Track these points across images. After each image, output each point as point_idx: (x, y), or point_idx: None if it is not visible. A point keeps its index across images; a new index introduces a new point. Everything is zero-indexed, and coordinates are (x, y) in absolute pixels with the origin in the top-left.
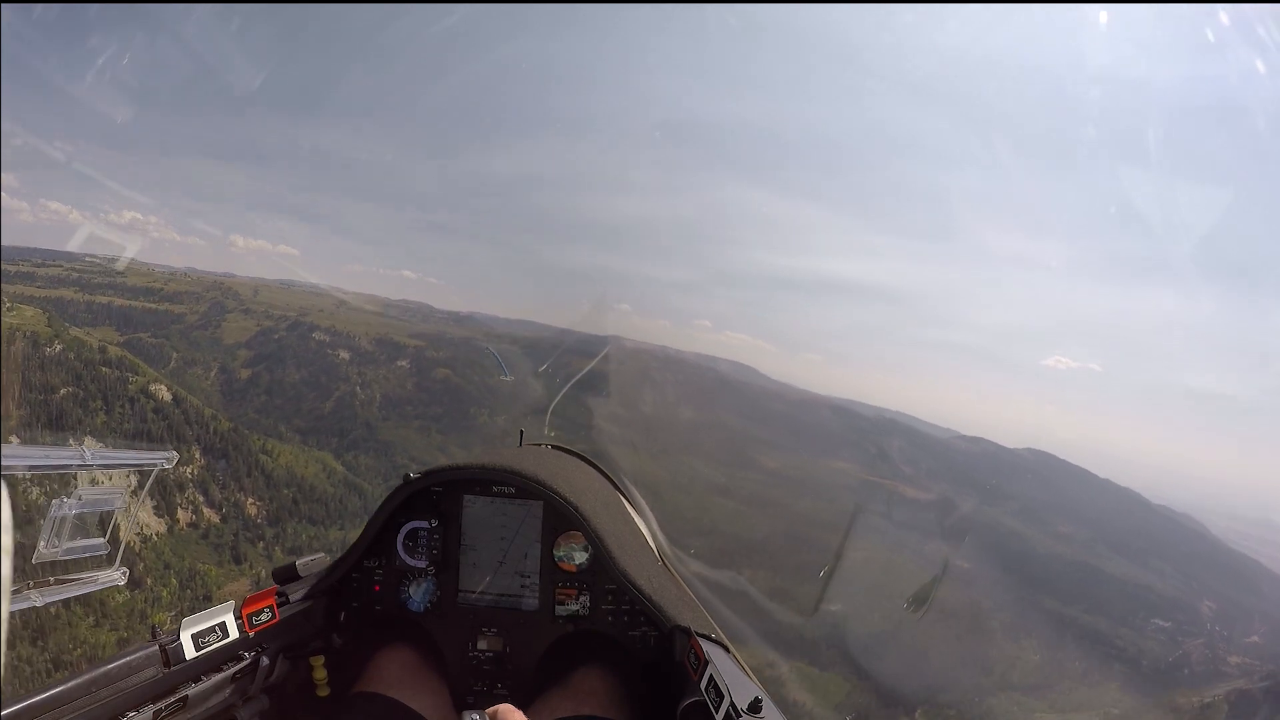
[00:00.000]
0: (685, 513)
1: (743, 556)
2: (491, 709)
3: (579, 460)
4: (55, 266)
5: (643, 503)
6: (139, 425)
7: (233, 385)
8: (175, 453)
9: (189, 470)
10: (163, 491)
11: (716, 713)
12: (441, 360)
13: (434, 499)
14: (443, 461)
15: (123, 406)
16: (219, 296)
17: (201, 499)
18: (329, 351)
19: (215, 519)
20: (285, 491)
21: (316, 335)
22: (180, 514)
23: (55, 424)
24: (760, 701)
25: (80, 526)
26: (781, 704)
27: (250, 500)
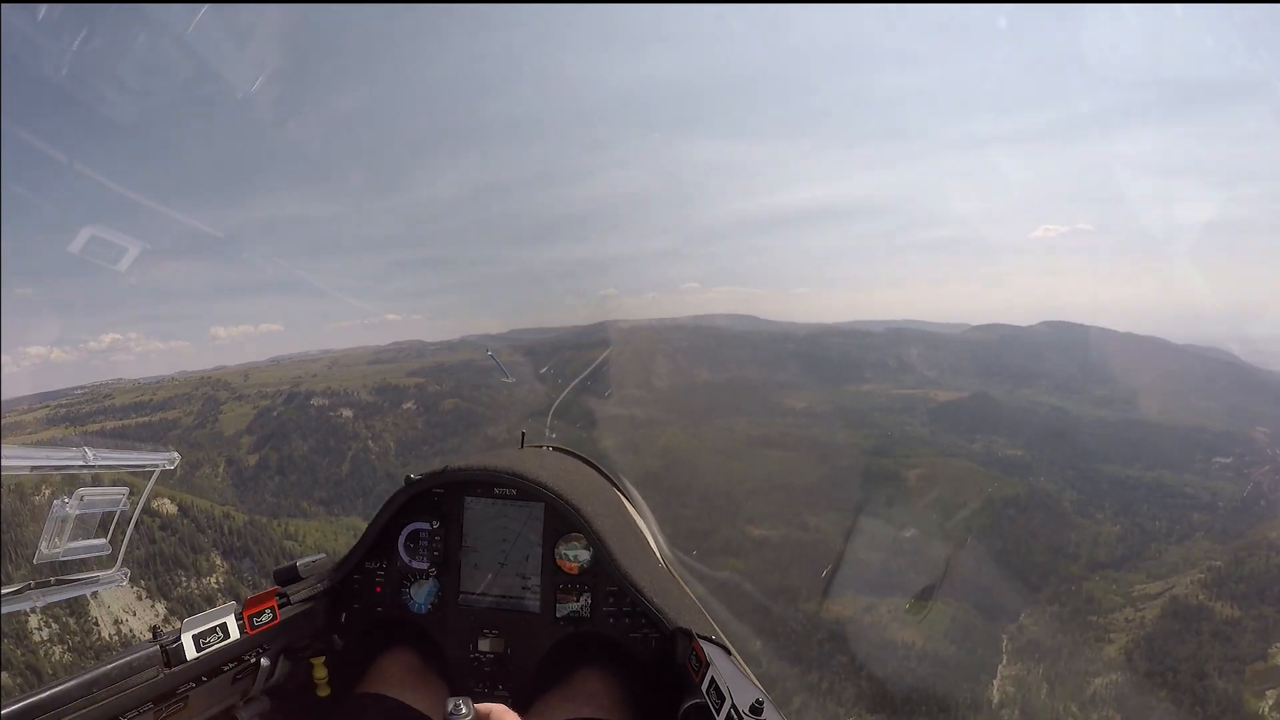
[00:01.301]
0: (737, 476)
1: (812, 504)
2: (485, 706)
3: (580, 462)
4: (44, 408)
5: (643, 504)
6: (150, 549)
7: (243, 475)
8: (177, 454)
9: (213, 580)
10: (188, 608)
11: (718, 715)
12: (446, 392)
13: (435, 501)
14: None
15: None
16: (210, 390)
17: None
18: (331, 414)
19: None
20: None
21: (315, 401)
22: None
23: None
24: (762, 704)
25: (82, 527)
26: (782, 705)
27: None
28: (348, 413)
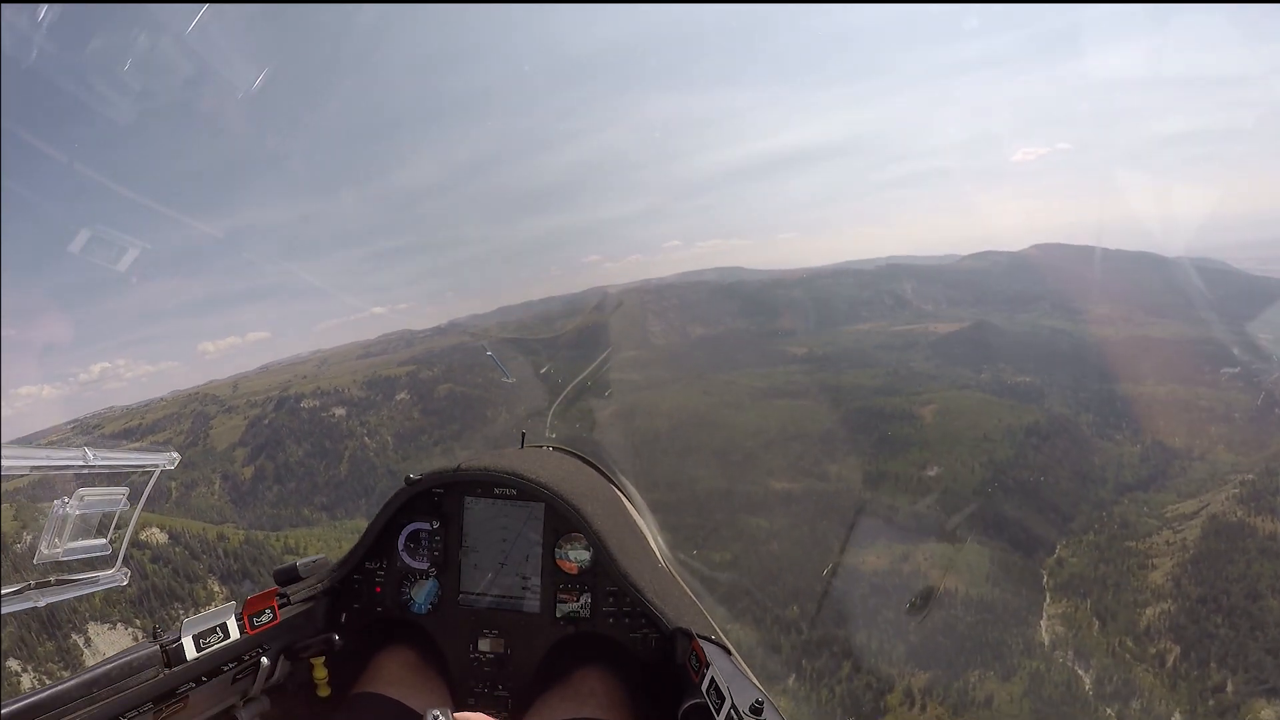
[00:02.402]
0: (750, 429)
1: (831, 451)
2: (464, 716)
3: (580, 461)
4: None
5: (643, 504)
6: (141, 585)
7: (240, 490)
8: (177, 454)
9: (212, 609)
10: None
11: (717, 715)
12: (438, 377)
13: (435, 501)
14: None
15: None
16: (199, 406)
17: None
18: (323, 415)
19: None
20: None
21: (305, 404)
22: None
23: (47, 627)
24: (761, 704)
25: (82, 527)
26: (783, 707)
27: None
28: (340, 411)
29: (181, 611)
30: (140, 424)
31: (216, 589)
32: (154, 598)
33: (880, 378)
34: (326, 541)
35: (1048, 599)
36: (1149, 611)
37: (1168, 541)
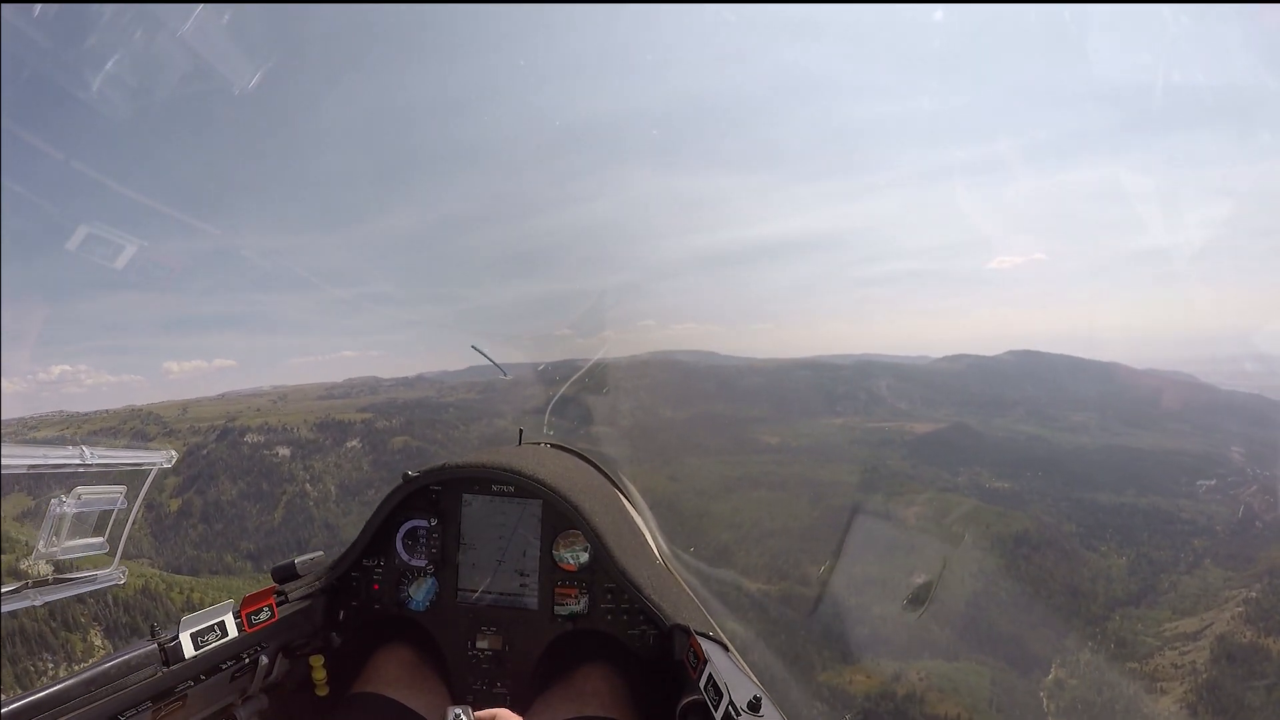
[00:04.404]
0: (725, 520)
1: (812, 551)
2: (489, 712)
3: (578, 459)
4: None
5: (642, 501)
6: (10, 624)
7: (163, 523)
8: (174, 452)
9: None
10: None
11: (716, 711)
12: (395, 428)
13: (433, 498)
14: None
15: None
16: (139, 425)
17: None
18: (265, 452)
19: None
20: None
21: (249, 438)
22: None
23: None
24: (759, 700)
25: (80, 526)
26: (782, 703)
27: None
28: (284, 451)
29: (51, 663)
30: (75, 434)
31: (98, 643)
32: (19, 643)
33: (856, 474)
34: (241, 595)
35: None
36: None
37: (1174, 664)
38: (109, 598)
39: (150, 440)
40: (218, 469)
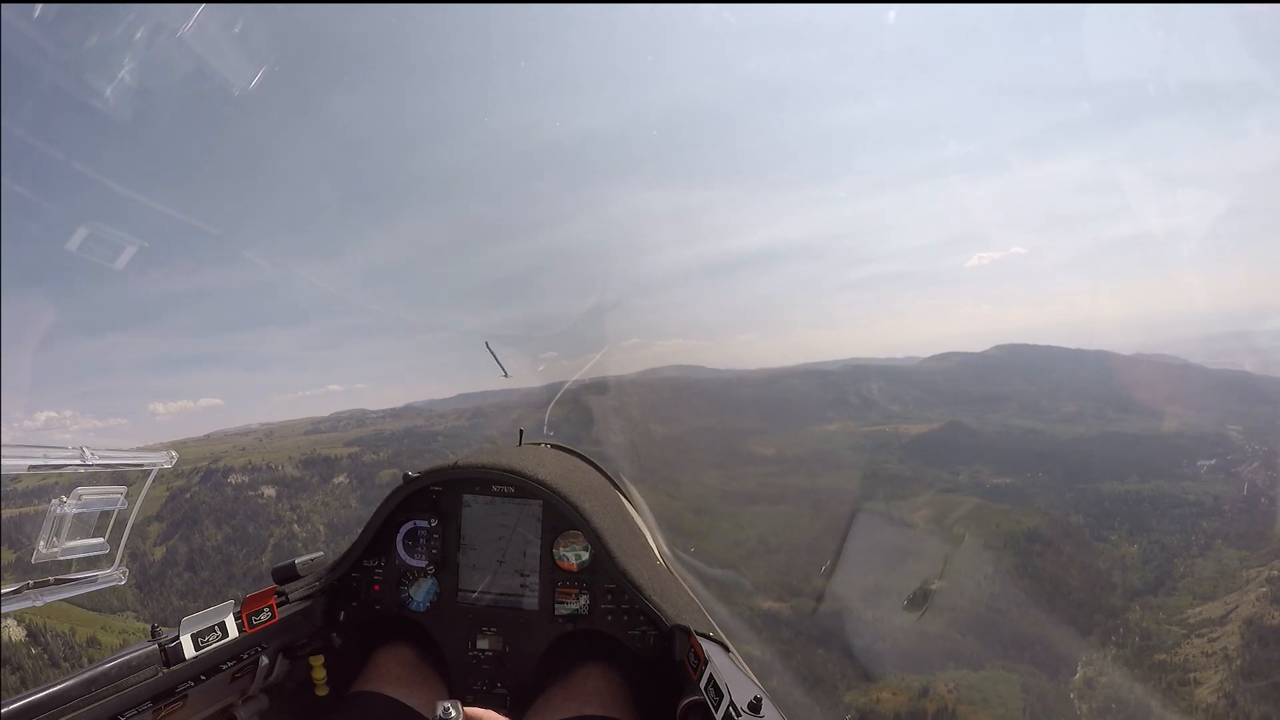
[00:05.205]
0: (729, 538)
1: (822, 564)
2: (476, 712)
3: (578, 459)
4: None
5: (642, 502)
6: None
7: (147, 573)
8: (174, 453)
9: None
10: None
11: (716, 711)
12: (383, 461)
13: (433, 498)
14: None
15: None
16: (119, 470)
17: None
18: (250, 493)
19: None
20: None
21: (233, 479)
22: None
23: None
24: (760, 700)
25: (80, 526)
26: (782, 703)
27: None
28: (270, 491)
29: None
30: (56, 482)
31: None
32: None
33: (856, 480)
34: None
35: None
36: None
37: (1204, 652)
38: (86, 657)
39: (130, 485)
40: (201, 513)
